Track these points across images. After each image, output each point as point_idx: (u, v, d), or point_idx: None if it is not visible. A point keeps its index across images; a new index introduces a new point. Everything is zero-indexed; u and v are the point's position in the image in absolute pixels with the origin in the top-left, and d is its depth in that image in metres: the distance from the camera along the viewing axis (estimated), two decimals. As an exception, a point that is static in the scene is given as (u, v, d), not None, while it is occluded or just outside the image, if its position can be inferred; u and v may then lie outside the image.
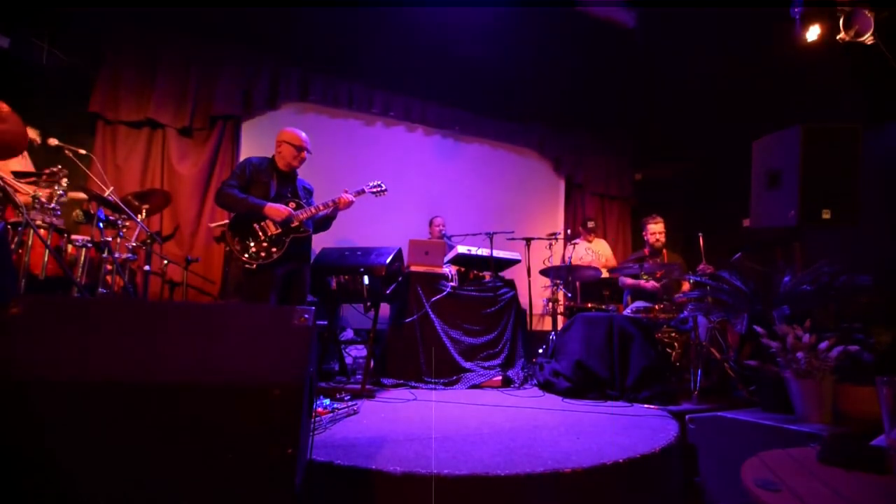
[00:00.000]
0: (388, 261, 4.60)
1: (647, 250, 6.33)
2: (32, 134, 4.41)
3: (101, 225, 4.97)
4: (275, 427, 1.63)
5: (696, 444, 3.33)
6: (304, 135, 4.57)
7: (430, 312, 5.12)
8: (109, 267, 4.93)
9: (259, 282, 4.24)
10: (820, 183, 4.08)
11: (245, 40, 7.24)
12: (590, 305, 5.93)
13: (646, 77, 8.29)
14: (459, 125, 8.92)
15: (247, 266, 4.20)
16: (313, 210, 4.43)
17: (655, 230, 6.27)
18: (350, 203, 4.57)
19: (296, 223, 4.33)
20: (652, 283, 5.93)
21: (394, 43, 7.57)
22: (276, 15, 6.97)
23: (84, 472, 1.52)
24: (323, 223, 4.75)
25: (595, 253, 7.75)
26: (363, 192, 4.78)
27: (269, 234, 4.26)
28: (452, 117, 8.85)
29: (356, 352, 6.12)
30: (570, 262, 6.28)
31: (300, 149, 4.53)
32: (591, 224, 8.14)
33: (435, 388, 4.80)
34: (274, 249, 4.24)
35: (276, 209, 4.26)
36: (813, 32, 5.32)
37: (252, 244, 4.22)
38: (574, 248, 7.61)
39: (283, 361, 1.72)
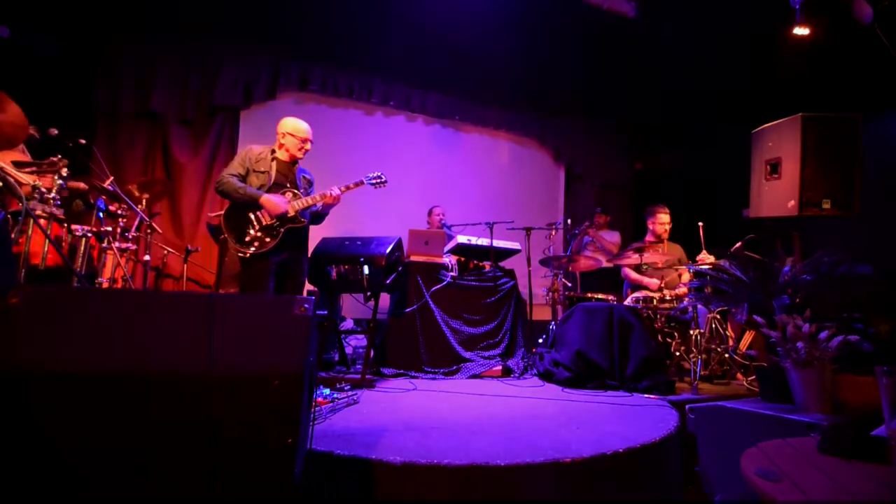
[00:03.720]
0: (388, 250, 4.59)
1: (647, 239, 6.29)
2: (30, 129, 4.40)
3: (101, 215, 4.97)
4: (274, 417, 1.63)
5: (695, 433, 3.34)
6: (306, 125, 4.55)
7: (430, 302, 5.12)
8: (109, 257, 4.94)
9: (254, 271, 4.23)
10: (819, 172, 4.08)
11: (246, 31, 7.21)
12: (590, 295, 5.93)
13: (646, 66, 8.26)
14: (459, 115, 8.92)
15: (240, 255, 4.19)
16: (309, 201, 4.41)
17: (665, 220, 6.19)
18: (336, 198, 4.51)
19: (291, 213, 4.32)
20: (655, 283, 5.89)
21: (394, 32, 7.54)
22: (276, 5, 6.94)
23: (82, 461, 1.53)
24: (316, 218, 4.73)
25: (603, 242, 7.65)
26: (362, 183, 4.74)
27: (264, 223, 4.24)
28: (452, 107, 8.84)
29: (356, 341, 6.12)
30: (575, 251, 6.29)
31: (304, 140, 4.51)
32: (598, 210, 8.13)
33: (435, 378, 4.80)
34: (268, 239, 4.22)
35: (272, 202, 4.24)
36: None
37: (246, 233, 4.21)
38: (583, 237, 7.62)
39: (283, 351, 1.72)
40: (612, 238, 7.78)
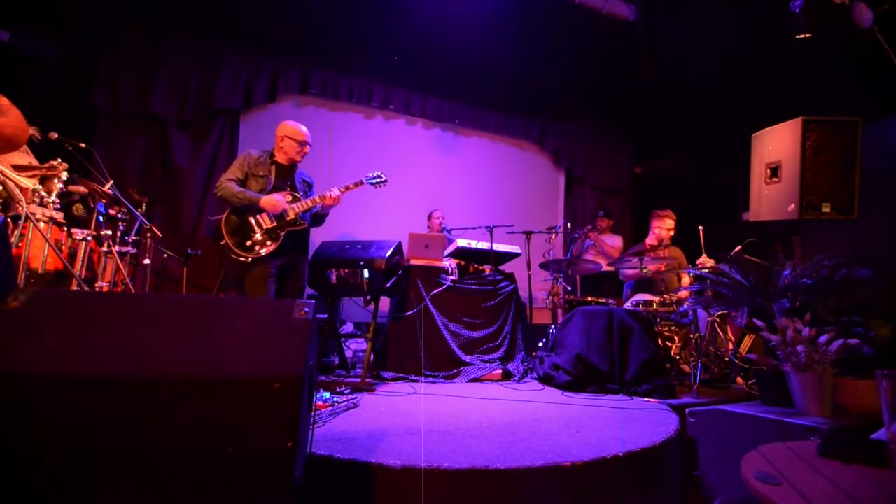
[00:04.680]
0: (388, 254, 4.59)
1: (648, 243, 6.27)
2: (31, 130, 4.39)
3: (100, 218, 4.96)
4: (274, 420, 1.63)
5: (695, 437, 3.34)
6: (305, 129, 4.56)
7: (430, 306, 5.12)
8: (109, 260, 4.93)
9: (255, 275, 4.24)
10: (820, 176, 4.07)
11: (246, 34, 7.23)
12: (590, 299, 5.93)
13: (646, 70, 8.26)
14: (459, 118, 8.92)
15: (241, 260, 4.19)
16: (309, 203, 4.41)
17: (671, 226, 6.17)
18: (336, 199, 4.52)
19: (291, 216, 4.32)
20: (653, 268, 5.88)
21: (394, 36, 7.55)
22: (276, 8, 6.95)
23: (82, 466, 1.52)
24: (316, 219, 4.74)
25: (604, 246, 7.57)
26: (362, 183, 4.74)
27: (265, 227, 4.25)
28: (452, 111, 8.85)
29: (356, 345, 6.12)
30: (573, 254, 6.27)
31: (303, 143, 4.52)
32: (600, 213, 8.11)
33: (435, 382, 4.80)
34: (269, 242, 4.23)
35: (272, 200, 4.25)
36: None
37: (247, 238, 4.21)
38: (584, 241, 7.60)
39: (283, 355, 1.71)
40: (614, 242, 7.75)
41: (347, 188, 4.61)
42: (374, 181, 4.84)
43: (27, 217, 3.61)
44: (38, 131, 4.43)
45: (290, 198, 4.39)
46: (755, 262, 3.94)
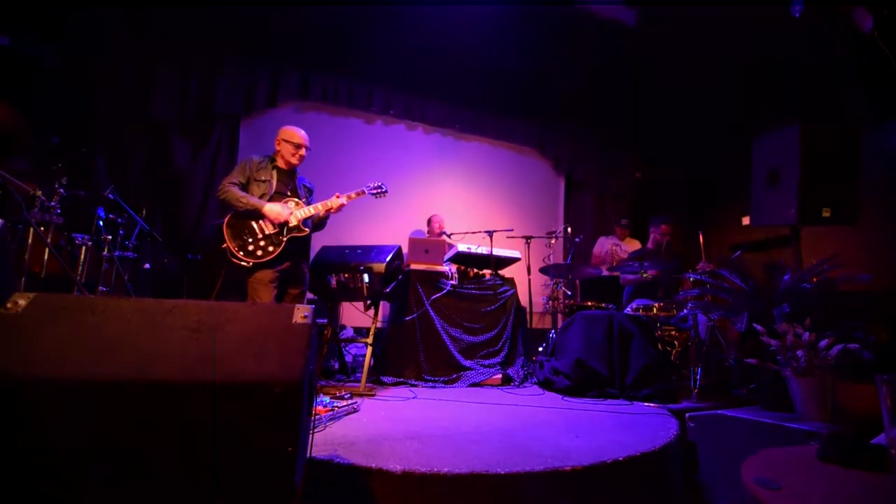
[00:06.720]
0: (388, 259, 4.59)
1: (648, 247, 6.30)
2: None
3: (101, 223, 4.97)
4: (274, 425, 1.62)
5: (696, 442, 3.34)
6: (303, 132, 4.56)
7: (430, 311, 5.11)
8: (109, 265, 4.94)
9: (256, 280, 4.23)
10: (819, 181, 4.07)
11: (246, 39, 7.23)
12: (590, 304, 5.93)
13: (646, 75, 8.28)
14: (459, 123, 8.91)
15: (243, 264, 4.19)
16: (312, 210, 4.41)
17: (668, 231, 6.19)
18: (341, 206, 4.54)
19: (294, 223, 4.32)
20: (651, 273, 5.89)
21: (394, 41, 7.57)
22: (276, 13, 6.97)
23: (82, 471, 1.52)
24: (317, 224, 4.74)
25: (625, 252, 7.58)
26: (363, 192, 4.75)
27: (267, 232, 4.25)
28: (452, 115, 8.84)
29: (356, 350, 6.12)
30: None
31: (298, 146, 4.52)
32: (623, 221, 8.11)
33: (435, 387, 4.80)
34: (271, 248, 4.22)
35: (274, 211, 4.25)
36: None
37: (249, 242, 4.21)
38: (604, 244, 7.60)
39: (283, 359, 1.71)
40: (635, 248, 7.75)
41: (350, 197, 4.61)
42: (374, 191, 4.85)
43: (28, 221, 3.62)
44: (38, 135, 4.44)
45: (292, 204, 4.39)
46: (755, 267, 3.94)
